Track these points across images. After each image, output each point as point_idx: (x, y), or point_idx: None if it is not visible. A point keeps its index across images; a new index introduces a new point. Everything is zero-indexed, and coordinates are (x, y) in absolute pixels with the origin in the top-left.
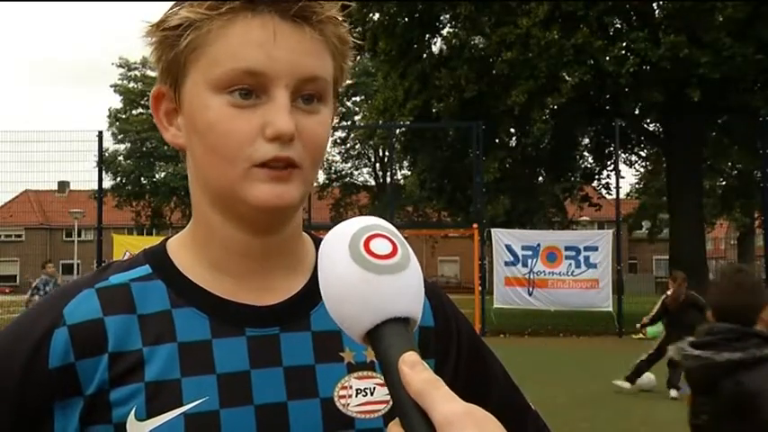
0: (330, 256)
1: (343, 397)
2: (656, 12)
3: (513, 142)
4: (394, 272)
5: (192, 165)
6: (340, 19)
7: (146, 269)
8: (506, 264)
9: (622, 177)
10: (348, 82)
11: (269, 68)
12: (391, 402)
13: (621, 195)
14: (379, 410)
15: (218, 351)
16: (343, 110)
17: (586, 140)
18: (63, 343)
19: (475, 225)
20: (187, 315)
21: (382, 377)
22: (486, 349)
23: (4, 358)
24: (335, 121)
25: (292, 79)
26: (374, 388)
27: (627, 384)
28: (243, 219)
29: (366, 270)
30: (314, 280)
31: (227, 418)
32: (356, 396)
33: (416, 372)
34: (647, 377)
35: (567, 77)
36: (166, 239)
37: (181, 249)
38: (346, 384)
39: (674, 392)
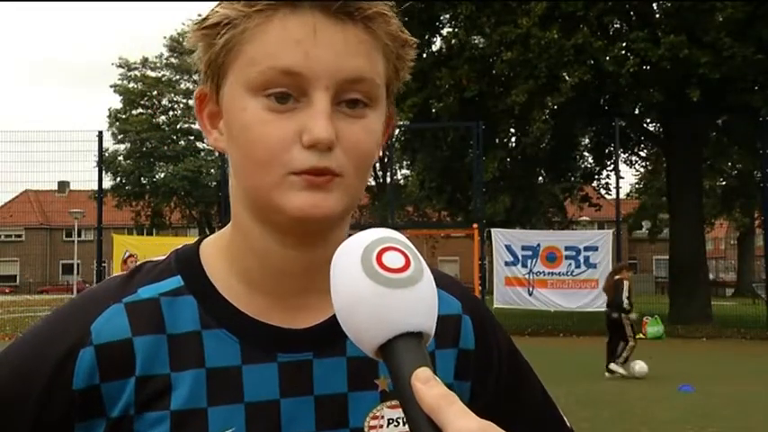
0: (342, 270)
1: (374, 427)
2: (656, 12)
3: (512, 142)
4: (407, 285)
5: (231, 170)
6: (390, 15)
7: (177, 281)
8: (506, 264)
9: (622, 177)
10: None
11: (307, 68)
12: None
13: (621, 195)
14: None
15: (247, 378)
16: None
17: (586, 140)
18: (89, 363)
19: (475, 225)
20: (217, 338)
21: None
22: (526, 366)
23: (27, 372)
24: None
25: (333, 81)
26: None
27: (620, 369)
28: (281, 230)
29: (378, 284)
30: None
31: None
32: (387, 426)
33: (429, 387)
34: (639, 365)
35: (566, 77)
36: (201, 240)
37: (215, 256)
38: (378, 414)
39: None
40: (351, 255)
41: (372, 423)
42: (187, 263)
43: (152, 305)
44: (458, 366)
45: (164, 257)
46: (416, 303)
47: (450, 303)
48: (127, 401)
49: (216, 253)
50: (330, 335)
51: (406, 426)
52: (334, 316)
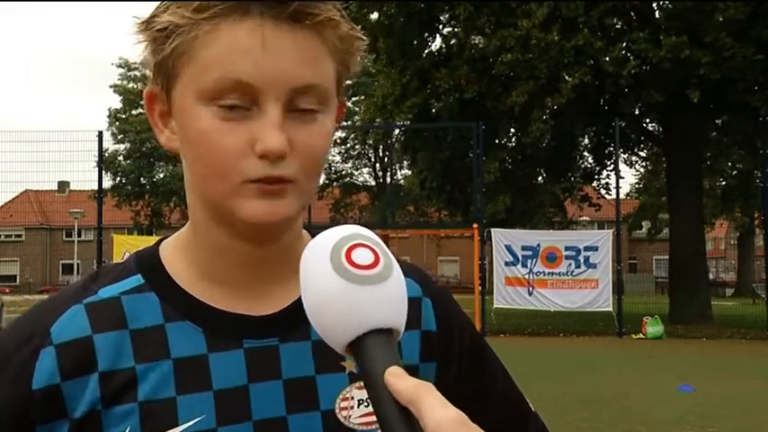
0: (311, 267)
1: (345, 408)
2: (657, 13)
3: (512, 142)
4: (375, 282)
5: (186, 170)
6: (339, 20)
7: (137, 279)
8: (506, 264)
9: (622, 177)
10: (348, 82)
11: (256, 79)
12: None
13: (621, 195)
14: None
15: (214, 366)
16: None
17: (586, 140)
18: (49, 363)
19: (475, 225)
20: (181, 329)
21: None
22: (488, 350)
23: None
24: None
25: (284, 90)
26: None
27: None
28: (237, 231)
29: (347, 281)
30: None
31: None
32: (358, 407)
33: (404, 380)
34: None
35: (567, 78)
36: (160, 241)
37: (175, 255)
38: (348, 395)
39: None
40: (320, 252)
41: (343, 404)
42: (147, 262)
43: (113, 304)
44: (422, 348)
45: (123, 260)
46: (386, 300)
47: (410, 287)
48: (92, 398)
49: (174, 251)
50: (293, 320)
51: None
52: (297, 301)
